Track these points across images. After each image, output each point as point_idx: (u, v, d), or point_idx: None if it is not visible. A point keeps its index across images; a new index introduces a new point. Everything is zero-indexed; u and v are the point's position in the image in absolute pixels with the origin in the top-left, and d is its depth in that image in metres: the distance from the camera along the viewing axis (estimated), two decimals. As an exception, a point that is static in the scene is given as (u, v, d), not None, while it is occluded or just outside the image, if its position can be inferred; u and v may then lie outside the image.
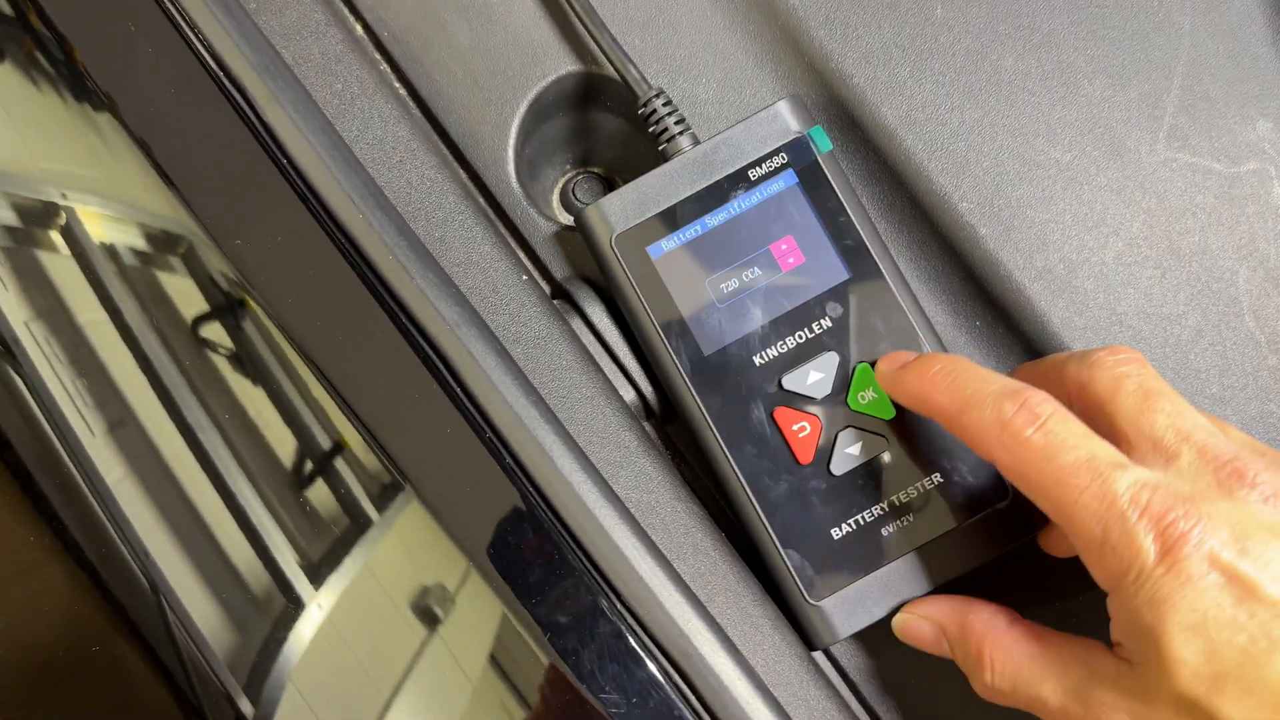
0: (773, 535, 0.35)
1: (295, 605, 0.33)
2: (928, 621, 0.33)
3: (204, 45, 0.35)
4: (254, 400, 0.34)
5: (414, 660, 0.33)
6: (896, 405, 0.35)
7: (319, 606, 0.34)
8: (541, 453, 0.32)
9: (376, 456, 0.33)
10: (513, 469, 0.33)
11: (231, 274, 0.34)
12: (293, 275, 0.34)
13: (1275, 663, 0.23)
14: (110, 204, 0.36)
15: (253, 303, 0.34)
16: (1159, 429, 0.28)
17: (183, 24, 0.35)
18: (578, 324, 0.37)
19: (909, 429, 0.35)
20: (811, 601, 0.34)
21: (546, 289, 0.39)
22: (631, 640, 0.32)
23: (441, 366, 0.33)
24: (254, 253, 0.34)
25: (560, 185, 0.42)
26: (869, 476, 0.35)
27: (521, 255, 0.39)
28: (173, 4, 0.35)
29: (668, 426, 0.39)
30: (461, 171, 0.40)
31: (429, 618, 0.33)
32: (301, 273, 0.34)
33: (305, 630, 0.34)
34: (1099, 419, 0.29)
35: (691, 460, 0.39)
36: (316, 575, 0.34)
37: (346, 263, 0.34)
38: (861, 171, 0.39)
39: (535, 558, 0.33)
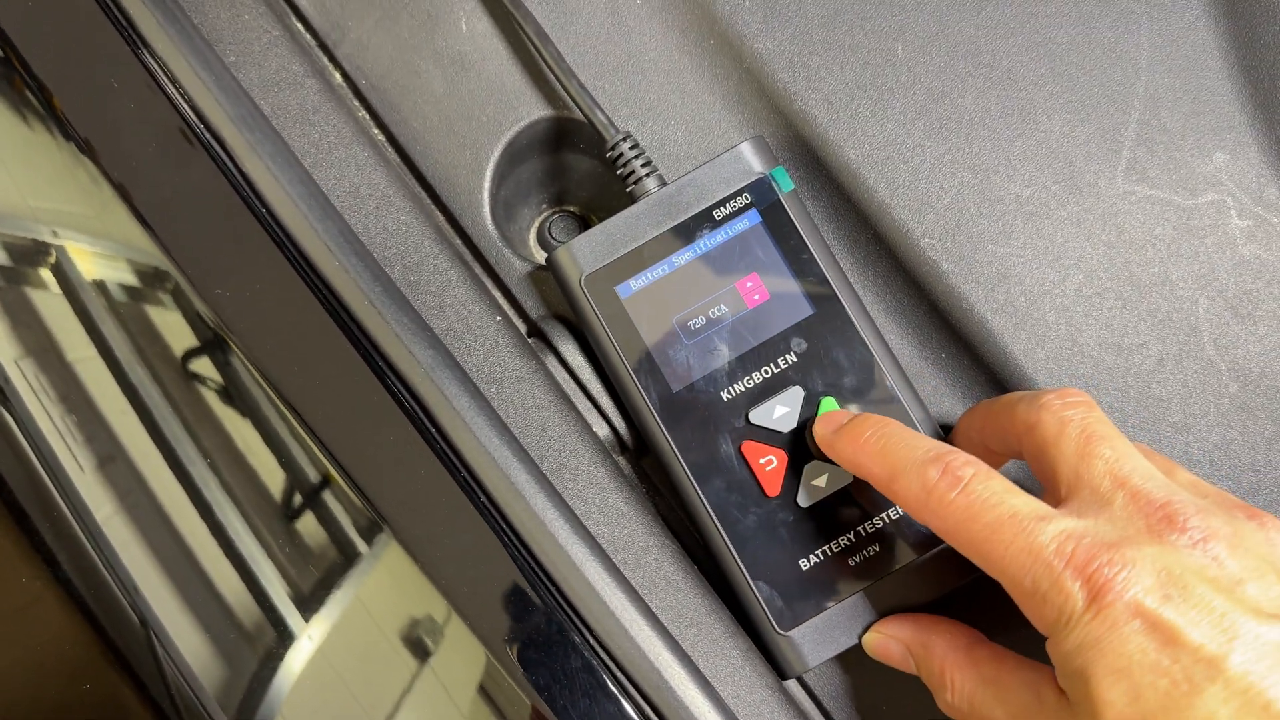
0: (742, 567, 0.35)
1: (285, 638, 0.34)
2: (895, 640, 0.34)
3: (184, 98, 0.36)
4: (239, 437, 0.35)
5: (404, 693, 0.34)
6: (862, 438, 0.36)
7: (309, 639, 0.34)
8: (514, 492, 0.33)
9: (355, 498, 0.34)
10: (487, 509, 0.34)
11: (213, 319, 0.35)
12: (271, 322, 0.35)
13: (1198, 705, 0.24)
14: (98, 243, 0.37)
15: (233, 348, 0.35)
16: (1096, 475, 0.28)
17: (163, 78, 0.36)
18: (552, 362, 0.38)
19: (874, 461, 0.36)
20: (781, 632, 0.35)
21: (523, 328, 0.40)
22: (604, 675, 0.33)
23: (417, 409, 0.34)
24: (233, 300, 0.35)
25: (536, 225, 0.43)
26: (835, 508, 0.36)
27: (498, 295, 0.41)
28: (153, 58, 0.36)
29: (642, 460, 0.40)
30: (439, 215, 0.41)
31: (418, 650, 0.34)
32: (279, 319, 0.35)
33: (295, 663, 0.34)
34: (1043, 462, 0.30)
35: (664, 494, 0.39)
36: (305, 608, 0.34)
37: (323, 308, 0.35)
38: (826, 209, 0.40)
39: (509, 595, 0.33)
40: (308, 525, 0.35)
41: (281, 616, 0.35)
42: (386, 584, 0.34)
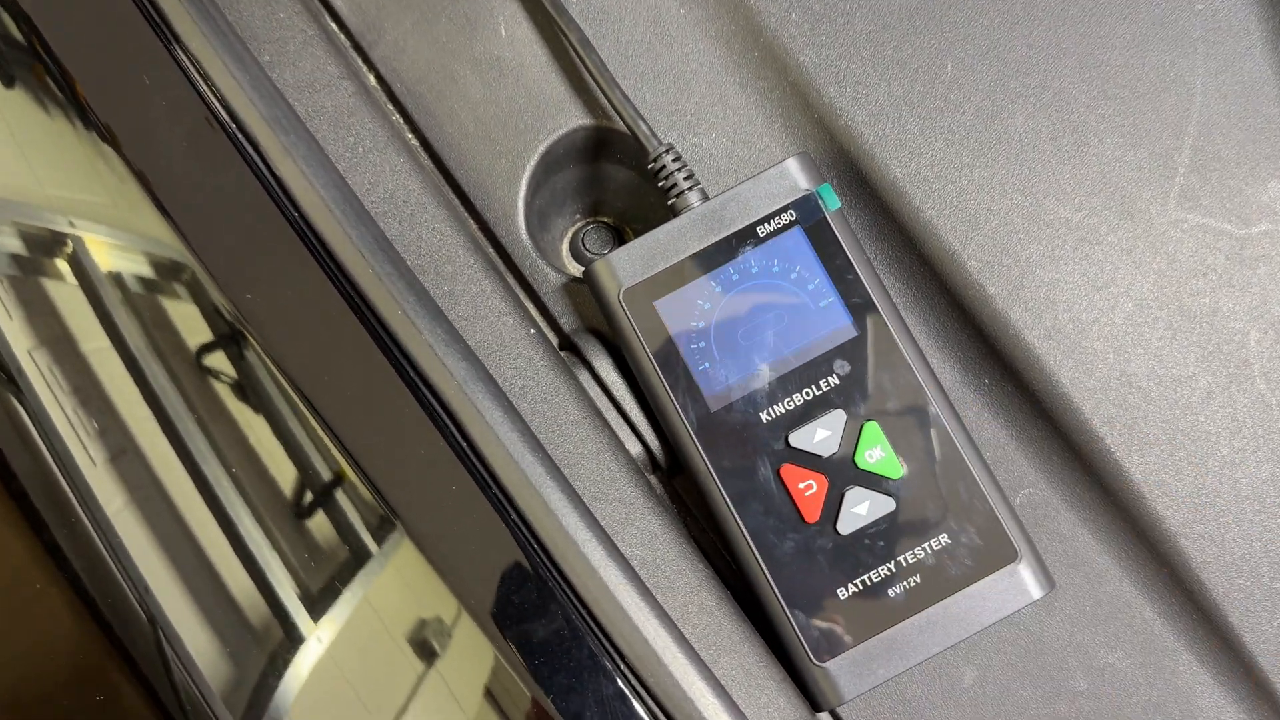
0: (778, 594, 0.34)
1: (294, 639, 0.33)
2: None
3: (218, 98, 0.35)
4: (258, 437, 0.34)
5: (411, 698, 0.33)
6: (905, 463, 0.35)
7: (318, 640, 0.33)
8: (546, 510, 0.32)
9: (382, 509, 0.33)
10: (518, 527, 0.33)
11: (241, 323, 0.34)
12: (302, 328, 0.34)
13: None
14: (125, 238, 0.36)
15: (262, 354, 0.34)
16: None
17: (196, 76, 0.35)
18: (585, 377, 0.37)
19: (917, 488, 0.35)
20: (817, 663, 0.34)
21: (555, 341, 0.39)
22: (635, 703, 0.32)
23: (449, 423, 0.33)
24: (264, 307, 0.34)
25: (570, 235, 0.43)
26: (876, 536, 0.35)
27: (530, 307, 0.40)
28: (187, 56, 0.35)
29: (674, 480, 0.39)
30: (472, 223, 0.40)
31: (428, 654, 0.33)
32: (311, 326, 0.34)
33: (304, 664, 0.33)
34: None
35: (698, 515, 0.38)
36: (315, 609, 0.33)
37: (355, 316, 0.34)
38: (870, 228, 0.39)
39: (538, 616, 0.32)
40: (329, 531, 0.34)
41: (297, 613, 0.33)
42: (411, 599, 0.33)
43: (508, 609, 0.32)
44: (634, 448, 0.37)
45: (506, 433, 0.33)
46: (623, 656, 0.32)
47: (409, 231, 0.36)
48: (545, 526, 0.32)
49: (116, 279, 0.35)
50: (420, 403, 0.33)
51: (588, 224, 0.43)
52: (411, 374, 0.34)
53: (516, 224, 0.40)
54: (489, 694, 0.32)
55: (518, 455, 0.33)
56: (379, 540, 0.33)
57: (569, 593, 0.32)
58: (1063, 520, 0.37)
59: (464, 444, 0.33)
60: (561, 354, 0.38)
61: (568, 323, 0.39)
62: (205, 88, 0.35)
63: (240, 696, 0.33)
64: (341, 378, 0.34)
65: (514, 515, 0.33)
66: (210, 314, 0.34)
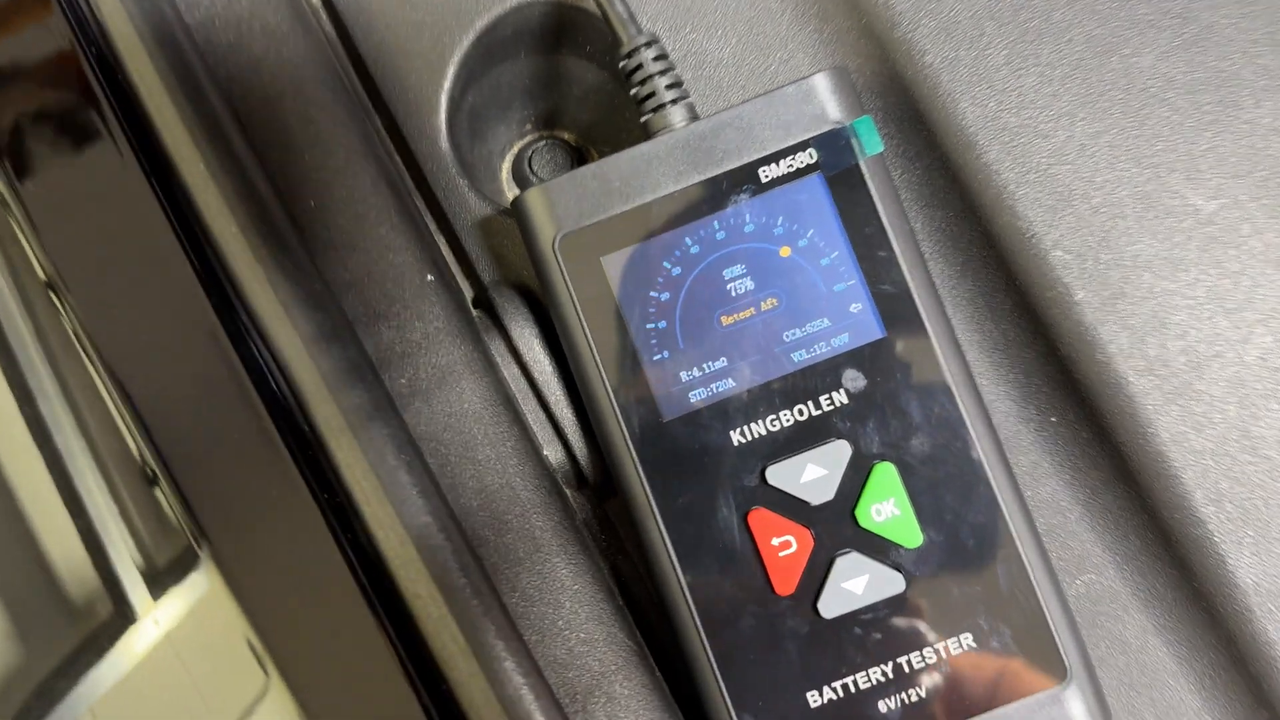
0: (724, 691, 0.24)
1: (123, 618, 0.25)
2: None
3: None
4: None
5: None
6: (926, 526, 0.24)
7: (155, 623, 0.25)
8: (403, 549, 0.22)
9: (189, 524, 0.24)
10: (362, 567, 0.23)
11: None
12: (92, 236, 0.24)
13: None
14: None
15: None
16: None
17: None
18: (499, 348, 0.27)
19: (938, 564, 0.24)
20: (766, 791, 0.24)
21: (469, 294, 0.29)
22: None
23: (286, 396, 0.23)
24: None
25: (514, 152, 0.32)
26: (872, 625, 0.24)
27: (441, 243, 0.29)
28: None
29: (605, 504, 0.28)
30: (377, 118, 0.29)
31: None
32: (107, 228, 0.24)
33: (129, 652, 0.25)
34: None
35: (634, 555, 0.28)
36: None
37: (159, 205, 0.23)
38: (919, 188, 0.28)
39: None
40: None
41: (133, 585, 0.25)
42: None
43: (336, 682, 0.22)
44: (553, 453, 0.27)
45: (357, 419, 0.23)
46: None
47: (263, 110, 0.25)
48: (404, 573, 0.22)
49: None
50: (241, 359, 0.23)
51: (539, 140, 0.32)
52: (236, 316, 0.23)
53: (435, 126, 0.29)
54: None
55: (367, 457, 0.23)
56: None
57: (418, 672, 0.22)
58: (1131, 624, 0.27)
59: (296, 437, 0.23)
60: (472, 313, 0.28)
61: (489, 272, 0.29)
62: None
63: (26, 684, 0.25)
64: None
65: (358, 549, 0.23)
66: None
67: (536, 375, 0.27)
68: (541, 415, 0.27)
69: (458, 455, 0.25)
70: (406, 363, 0.25)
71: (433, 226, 0.29)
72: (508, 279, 0.29)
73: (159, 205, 0.24)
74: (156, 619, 0.26)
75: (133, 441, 0.25)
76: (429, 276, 0.26)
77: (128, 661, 0.26)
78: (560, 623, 0.24)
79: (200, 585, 0.26)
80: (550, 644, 0.24)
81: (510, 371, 0.27)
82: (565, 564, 0.25)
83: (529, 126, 0.32)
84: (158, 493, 0.26)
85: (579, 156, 0.32)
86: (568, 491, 0.27)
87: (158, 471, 0.24)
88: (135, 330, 0.23)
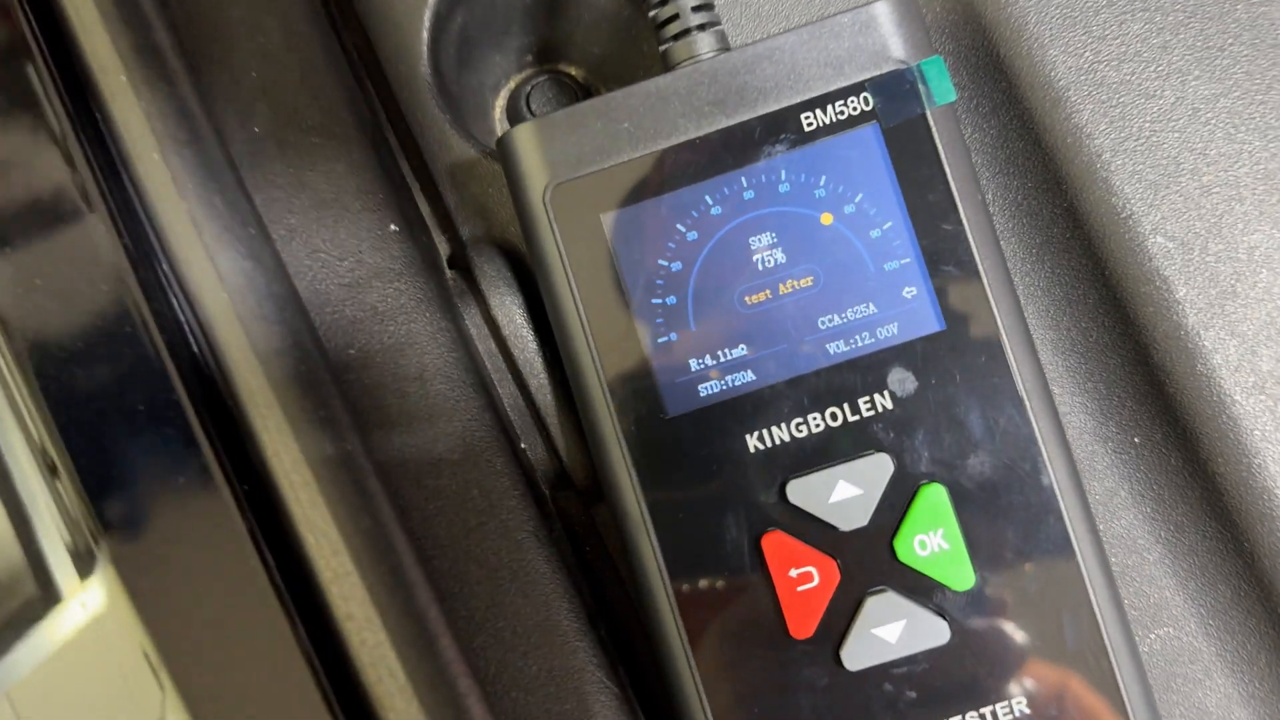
0: (721, 751, 0.20)
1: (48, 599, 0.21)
2: None
3: None
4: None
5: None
6: (981, 565, 0.20)
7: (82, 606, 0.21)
8: (339, 570, 0.18)
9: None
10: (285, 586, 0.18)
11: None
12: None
13: None
14: None
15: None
16: None
17: None
18: (474, 317, 0.23)
19: (992, 612, 0.20)
20: None
21: (444, 251, 0.24)
22: None
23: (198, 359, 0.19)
24: None
25: (509, 88, 0.27)
26: (907, 682, 0.20)
27: (416, 190, 0.24)
28: None
29: (592, 509, 0.24)
30: (346, 35, 0.25)
31: None
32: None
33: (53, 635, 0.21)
34: None
35: (624, 576, 0.24)
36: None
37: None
38: (993, 150, 0.23)
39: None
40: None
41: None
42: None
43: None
44: (532, 447, 0.23)
45: (288, 398, 0.18)
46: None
47: (213, 9, 0.21)
48: (329, 581, 0.18)
49: None
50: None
51: (540, 74, 0.27)
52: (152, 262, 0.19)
53: (415, 47, 0.24)
54: None
55: (296, 429, 0.18)
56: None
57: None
58: (1214, 691, 0.23)
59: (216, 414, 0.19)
60: (447, 274, 0.23)
61: (470, 227, 0.24)
62: None
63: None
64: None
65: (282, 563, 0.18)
66: None
67: (517, 354, 0.22)
68: (520, 401, 0.22)
69: (411, 448, 0.20)
70: (357, 329, 0.21)
71: (405, 169, 0.24)
72: (492, 237, 0.24)
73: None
74: (84, 602, 0.22)
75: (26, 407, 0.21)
76: (391, 226, 0.21)
77: (51, 644, 0.23)
78: (525, 657, 0.20)
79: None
80: (510, 682, 0.20)
81: (486, 348, 0.23)
82: (535, 584, 0.20)
83: (529, 58, 0.27)
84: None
85: (586, 96, 0.27)
86: (547, 494, 0.23)
87: (50, 449, 0.20)
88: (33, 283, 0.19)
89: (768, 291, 0.21)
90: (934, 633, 0.20)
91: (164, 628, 0.19)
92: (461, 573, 0.20)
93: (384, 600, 0.18)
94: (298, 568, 0.19)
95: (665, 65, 0.22)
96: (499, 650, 0.20)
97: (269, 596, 0.19)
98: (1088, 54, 0.22)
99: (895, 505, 0.20)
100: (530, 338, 0.22)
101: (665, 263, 0.21)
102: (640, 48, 0.26)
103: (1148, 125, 0.22)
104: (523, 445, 0.22)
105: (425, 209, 0.24)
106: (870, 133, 0.20)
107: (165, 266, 0.20)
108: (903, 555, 0.20)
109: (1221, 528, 0.22)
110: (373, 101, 0.24)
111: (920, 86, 0.20)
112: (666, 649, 0.20)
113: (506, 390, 0.23)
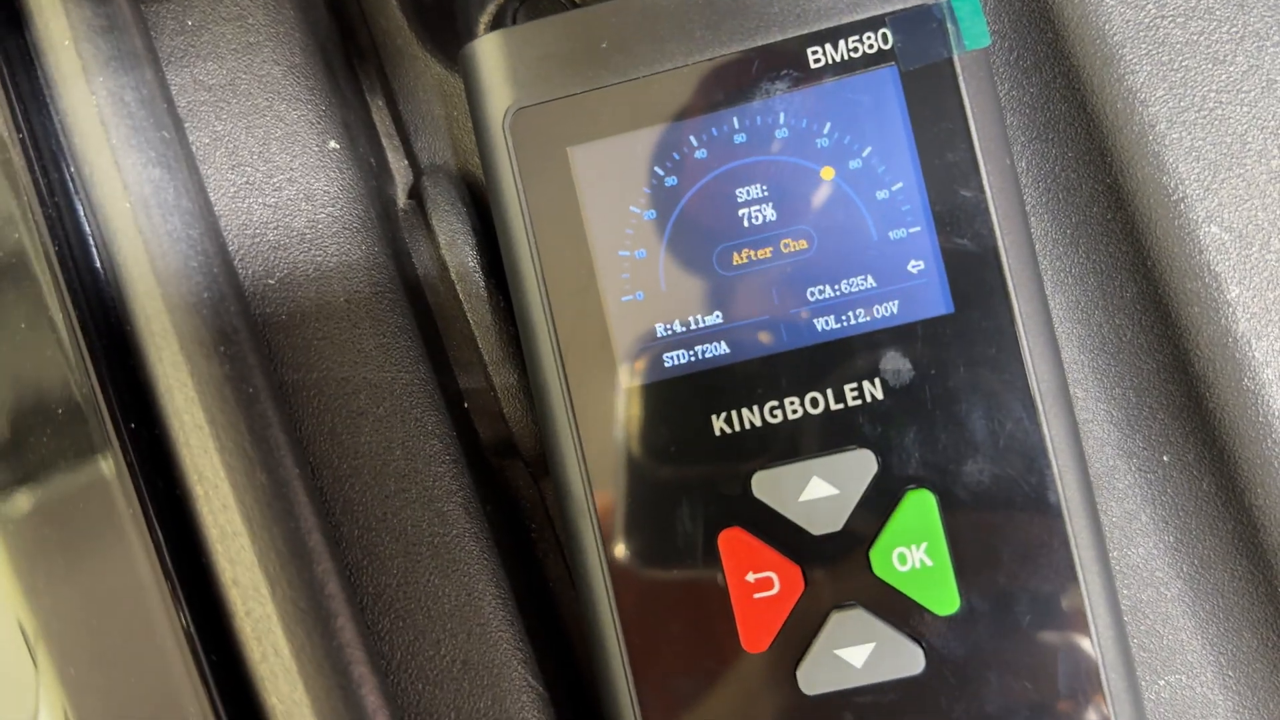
0: (652, 771, 0.18)
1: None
2: None
3: None
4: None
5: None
6: (968, 588, 0.17)
7: None
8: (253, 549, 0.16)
9: None
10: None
11: None
12: None
13: None
14: None
15: None
16: None
17: None
18: (423, 256, 0.20)
19: (976, 643, 0.17)
20: None
21: (401, 186, 0.22)
22: None
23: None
24: None
25: (496, 4, 0.24)
26: (871, 713, 0.17)
27: (377, 108, 0.22)
28: None
29: (541, 483, 0.21)
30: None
31: None
32: None
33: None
34: None
35: (569, 563, 0.21)
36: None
37: None
38: (1030, 111, 0.20)
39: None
40: None
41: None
42: None
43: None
44: (480, 410, 0.20)
45: (188, 331, 0.16)
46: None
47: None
48: (221, 555, 0.16)
49: None
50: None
51: (532, -8, 0.24)
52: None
53: (384, -56, 0.21)
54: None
55: (199, 375, 0.16)
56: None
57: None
58: (1226, 751, 0.20)
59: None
60: (402, 205, 0.21)
61: (431, 154, 0.21)
62: None
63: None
64: None
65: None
66: None
67: (466, 301, 0.20)
68: (466, 355, 0.20)
69: (333, 401, 0.18)
70: (279, 256, 0.18)
71: (365, 86, 0.22)
72: (458, 166, 0.21)
73: None
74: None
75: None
76: (331, 143, 0.19)
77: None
78: (436, 645, 0.17)
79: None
80: (417, 672, 0.17)
81: (432, 291, 0.20)
82: (458, 563, 0.18)
83: (520, -28, 0.24)
84: None
85: (581, 22, 0.24)
86: (493, 463, 0.20)
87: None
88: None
89: (752, 252, 0.18)
90: (907, 660, 0.17)
91: (32, 583, 0.17)
92: (373, 544, 0.17)
93: (275, 567, 0.16)
94: (185, 523, 0.17)
95: (658, -18, 0.19)
96: (408, 635, 0.17)
97: (149, 553, 0.16)
98: (1150, 6, 0.19)
99: (875, 510, 0.17)
100: (482, 284, 0.20)
101: (637, 210, 0.18)
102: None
103: (1213, 95, 0.19)
104: (465, 405, 0.20)
105: (387, 130, 0.22)
106: (886, 76, 0.18)
107: (70, 168, 0.18)
108: (879, 568, 0.17)
109: (1253, 567, 0.19)
110: (336, 4, 0.22)
111: (949, 26, 0.17)
112: (599, 647, 0.18)
113: (452, 342, 0.20)
